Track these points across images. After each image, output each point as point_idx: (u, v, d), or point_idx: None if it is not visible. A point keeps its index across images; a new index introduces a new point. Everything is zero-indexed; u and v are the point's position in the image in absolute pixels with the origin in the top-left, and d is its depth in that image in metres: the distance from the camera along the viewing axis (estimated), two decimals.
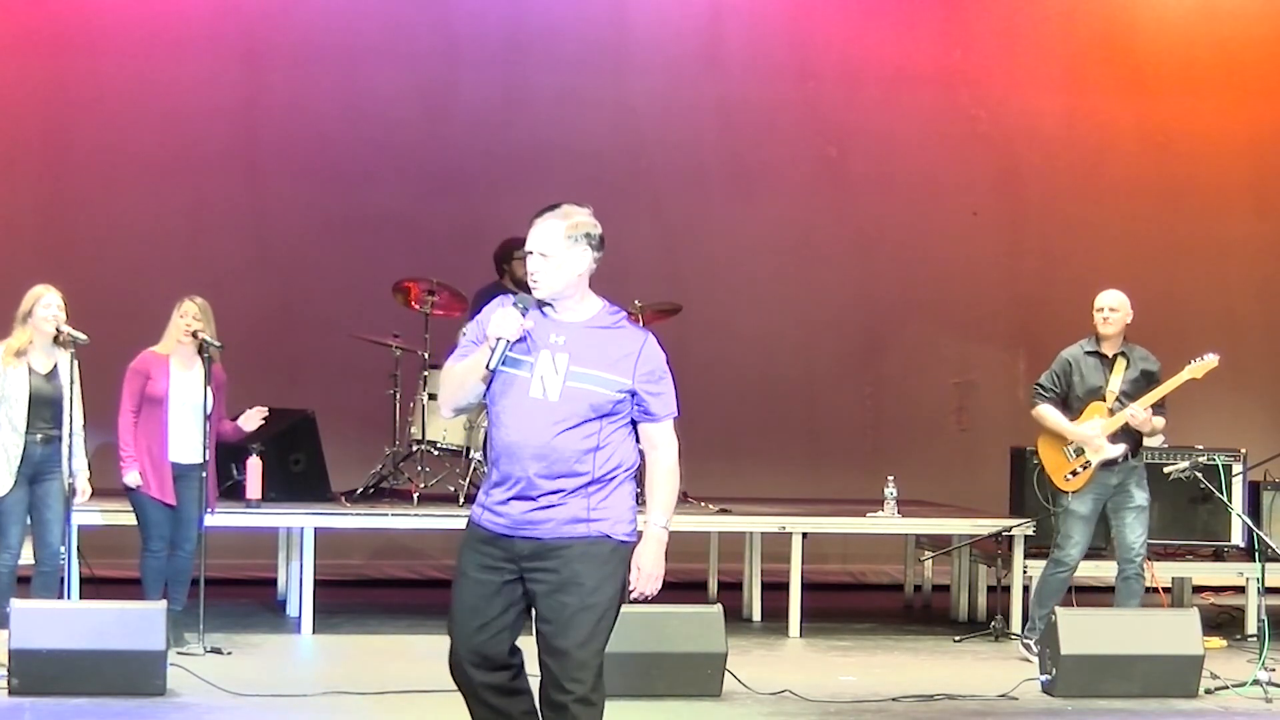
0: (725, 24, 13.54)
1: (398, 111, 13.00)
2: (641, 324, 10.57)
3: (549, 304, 5.33)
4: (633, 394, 5.28)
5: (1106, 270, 12.77)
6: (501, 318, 5.24)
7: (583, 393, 5.22)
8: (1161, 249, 13.68)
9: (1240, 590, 10.96)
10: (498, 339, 5.22)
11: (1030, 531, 10.36)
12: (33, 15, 12.72)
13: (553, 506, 5.22)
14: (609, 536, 5.27)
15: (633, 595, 5.34)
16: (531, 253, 5.33)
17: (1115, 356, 9.44)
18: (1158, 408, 9.38)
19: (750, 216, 13.37)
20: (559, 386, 5.21)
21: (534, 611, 5.29)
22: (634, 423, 5.35)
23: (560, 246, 5.32)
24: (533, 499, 5.22)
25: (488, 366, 5.22)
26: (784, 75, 13.51)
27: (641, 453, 5.41)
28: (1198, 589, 11.84)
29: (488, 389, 5.30)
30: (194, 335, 9.02)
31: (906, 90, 13.50)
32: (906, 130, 13.54)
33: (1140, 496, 9.43)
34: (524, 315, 5.25)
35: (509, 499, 5.25)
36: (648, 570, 5.38)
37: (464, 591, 5.31)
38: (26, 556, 8.90)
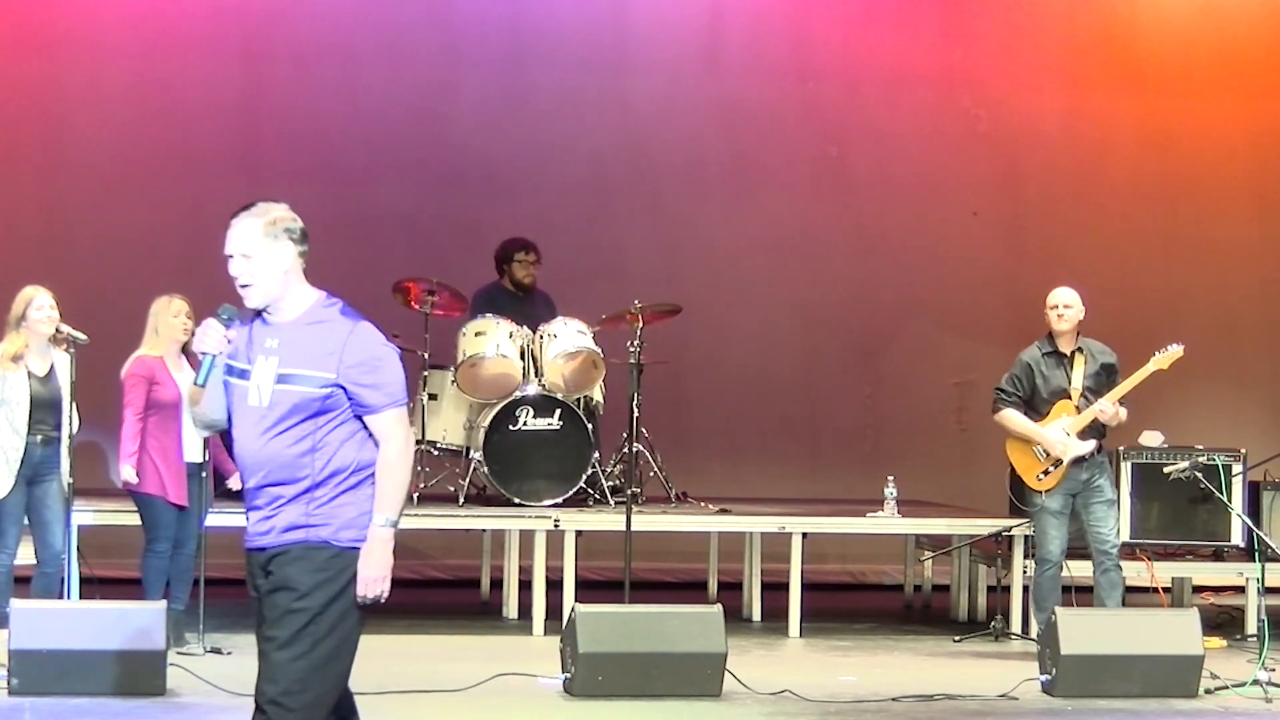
0: (725, 24, 13.54)
1: (398, 111, 12.99)
2: (641, 324, 10.59)
3: (265, 310, 5.15)
4: (342, 388, 5.05)
5: (1107, 270, 12.83)
6: (204, 332, 5.14)
7: (289, 394, 5.04)
8: (1161, 249, 13.68)
9: (1240, 590, 10.95)
10: (203, 354, 5.13)
11: (1030, 531, 10.34)
12: (32, 15, 12.72)
13: (274, 516, 5.05)
14: (329, 542, 5.02)
15: (358, 600, 5.06)
16: (233, 256, 5.14)
17: (1073, 353, 9.56)
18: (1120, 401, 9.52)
19: (750, 216, 13.36)
20: (269, 391, 5.05)
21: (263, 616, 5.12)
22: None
23: (261, 245, 5.12)
24: (259, 508, 5.09)
25: (196, 383, 5.15)
26: (784, 75, 13.51)
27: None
28: (1198, 589, 11.82)
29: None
30: (191, 335, 8.99)
31: (906, 90, 13.49)
32: (906, 130, 13.54)
33: (1109, 490, 9.60)
34: (228, 326, 5.13)
35: (246, 511, 5.16)
36: (365, 574, 5.04)
37: (259, 614, 5.14)
38: (22, 557, 8.91)
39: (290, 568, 5.03)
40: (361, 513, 5.06)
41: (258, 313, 5.16)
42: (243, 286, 5.14)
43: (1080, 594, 9.76)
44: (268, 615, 5.06)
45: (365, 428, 5.09)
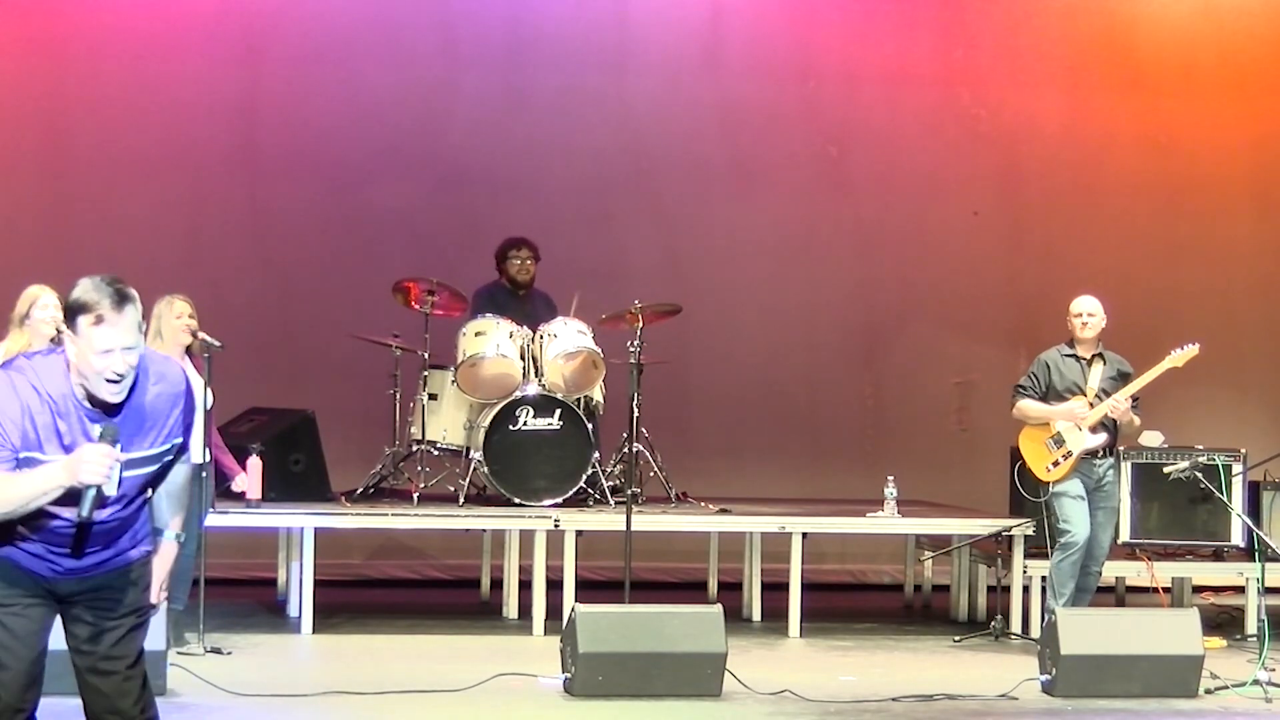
0: (725, 24, 13.53)
1: (398, 111, 13.00)
2: (641, 324, 10.59)
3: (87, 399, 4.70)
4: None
5: (1107, 270, 12.82)
6: (92, 460, 4.51)
7: (138, 478, 4.79)
8: (1161, 249, 13.69)
9: (1240, 590, 10.95)
10: (88, 487, 4.53)
11: (1030, 531, 10.35)
12: (33, 17, 12.71)
13: (108, 546, 4.84)
14: (150, 552, 5.03)
15: (156, 604, 5.06)
16: (112, 350, 4.62)
17: (1092, 358, 9.77)
18: (1134, 408, 9.66)
19: (750, 216, 13.36)
20: (114, 480, 4.59)
21: (81, 632, 4.89)
22: None
23: (138, 334, 4.71)
24: (87, 553, 4.81)
25: (81, 515, 4.57)
26: (784, 75, 13.50)
27: None
28: (1198, 589, 11.83)
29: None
30: (194, 335, 8.96)
31: (906, 90, 13.49)
32: (906, 130, 13.54)
33: (1116, 496, 9.89)
34: (114, 445, 4.56)
35: (59, 555, 4.78)
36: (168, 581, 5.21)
37: (19, 624, 4.79)
38: None
39: (131, 589, 4.93)
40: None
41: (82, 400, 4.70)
42: (114, 381, 4.65)
43: (1100, 593, 9.84)
44: (99, 631, 4.88)
45: None
